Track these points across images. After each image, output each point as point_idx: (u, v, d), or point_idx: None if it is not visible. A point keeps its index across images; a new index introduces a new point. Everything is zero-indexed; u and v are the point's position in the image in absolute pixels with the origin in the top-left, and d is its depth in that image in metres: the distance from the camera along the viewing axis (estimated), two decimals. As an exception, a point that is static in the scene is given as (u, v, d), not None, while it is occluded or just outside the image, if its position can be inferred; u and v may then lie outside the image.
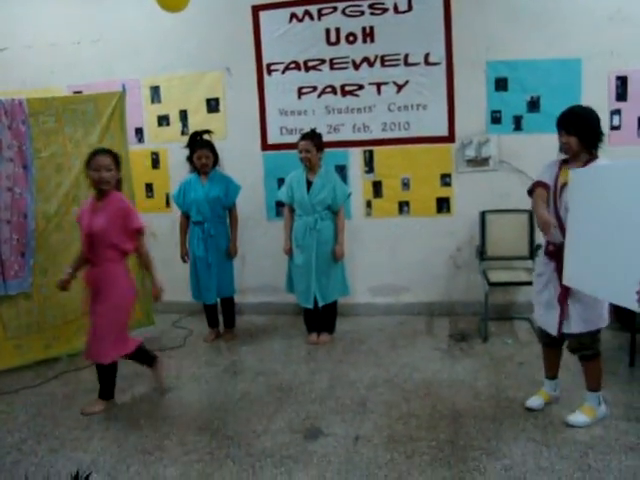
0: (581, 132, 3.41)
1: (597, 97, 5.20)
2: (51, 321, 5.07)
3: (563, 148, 3.51)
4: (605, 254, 2.78)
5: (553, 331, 3.58)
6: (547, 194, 3.52)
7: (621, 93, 5.26)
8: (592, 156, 3.45)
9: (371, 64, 5.64)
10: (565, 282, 3.28)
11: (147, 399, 4.33)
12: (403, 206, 5.79)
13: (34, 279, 4.95)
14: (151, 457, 3.49)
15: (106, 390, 4.20)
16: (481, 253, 5.44)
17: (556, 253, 3.46)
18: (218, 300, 5.46)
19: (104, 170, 3.86)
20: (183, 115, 6.09)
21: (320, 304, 5.15)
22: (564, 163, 3.56)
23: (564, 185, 3.44)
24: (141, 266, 4.23)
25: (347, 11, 5.61)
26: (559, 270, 3.40)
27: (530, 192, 3.67)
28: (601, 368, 3.61)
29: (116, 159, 3.97)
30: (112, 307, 3.98)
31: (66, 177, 5.07)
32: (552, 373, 3.84)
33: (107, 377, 4.18)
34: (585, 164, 3.43)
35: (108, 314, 3.97)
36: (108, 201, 3.93)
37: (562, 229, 3.39)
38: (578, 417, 3.58)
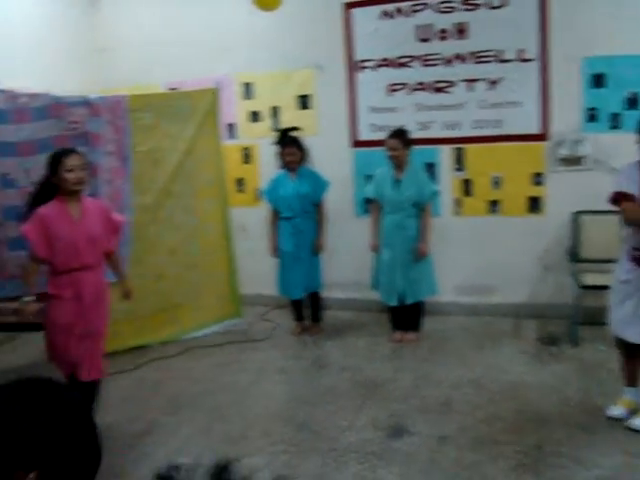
0: None
1: (703, 94, 4.97)
2: (145, 310, 5.26)
3: None
4: None
5: None
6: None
7: None
8: None
9: (463, 60, 5.57)
10: None
11: (233, 389, 4.45)
12: (493, 205, 5.70)
13: (130, 269, 5.14)
14: (236, 446, 3.60)
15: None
16: (573, 255, 5.29)
17: None
18: (305, 294, 5.54)
19: (79, 170, 3.60)
20: (274, 111, 6.19)
21: (409, 302, 5.14)
22: None
23: None
24: (111, 263, 3.96)
25: (439, 7, 5.56)
26: None
27: (615, 201, 3.52)
28: None
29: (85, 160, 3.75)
30: (109, 313, 3.94)
31: (162, 171, 5.26)
32: (635, 381, 3.71)
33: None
34: None
35: (107, 322, 3.93)
36: (85, 203, 3.72)
37: None
38: None
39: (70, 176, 3.56)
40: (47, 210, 3.60)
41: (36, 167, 4.53)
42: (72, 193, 3.63)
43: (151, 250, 5.25)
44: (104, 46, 6.61)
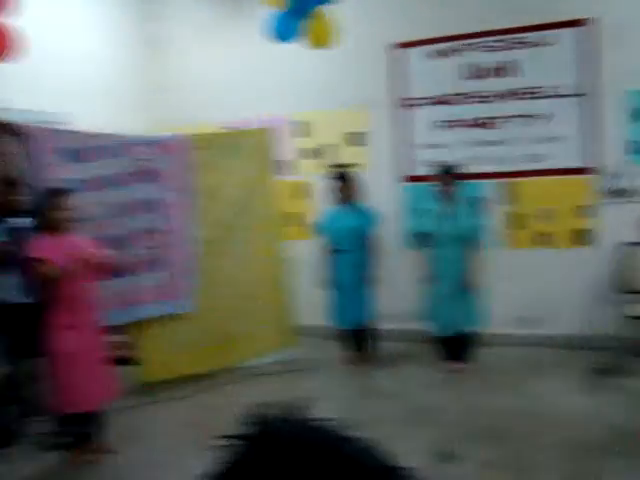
0: None
1: None
2: (203, 340, 5.46)
3: None
4: None
5: None
6: None
7: None
8: None
9: (512, 98, 5.73)
10: None
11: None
12: (543, 237, 5.79)
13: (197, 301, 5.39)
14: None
15: None
16: (623, 286, 5.33)
17: None
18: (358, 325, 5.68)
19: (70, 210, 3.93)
20: (329, 148, 6.43)
21: (460, 333, 5.26)
22: None
23: None
24: None
25: (489, 46, 5.75)
26: None
27: None
28: None
29: None
30: None
31: (221, 206, 5.52)
32: None
33: None
34: None
35: None
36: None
37: None
38: None
39: (62, 215, 3.87)
40: (39, 240, 3.87)
41: (102, 203, 4.86)
42: (60, 228, 3.90)
43: (211, 282, 5.47)
44: (164, 87, 6.97)
